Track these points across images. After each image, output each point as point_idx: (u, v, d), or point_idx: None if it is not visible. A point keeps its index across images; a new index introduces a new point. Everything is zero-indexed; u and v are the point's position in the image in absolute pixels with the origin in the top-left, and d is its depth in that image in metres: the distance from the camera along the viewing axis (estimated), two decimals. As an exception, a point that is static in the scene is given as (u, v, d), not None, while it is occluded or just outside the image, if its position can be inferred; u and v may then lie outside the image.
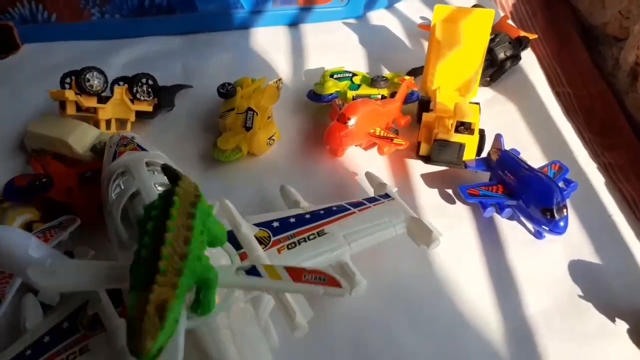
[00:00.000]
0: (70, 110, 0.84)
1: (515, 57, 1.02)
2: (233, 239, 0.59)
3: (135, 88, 0.89)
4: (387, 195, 0.71)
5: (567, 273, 0.71)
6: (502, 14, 1.16)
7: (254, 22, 1.16)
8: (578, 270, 0.71)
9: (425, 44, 1.12)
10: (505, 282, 0.70)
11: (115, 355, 0.50)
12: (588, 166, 0.85)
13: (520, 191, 0.74)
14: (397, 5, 1.24)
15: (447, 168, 0.83)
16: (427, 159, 0.83)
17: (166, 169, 0.51)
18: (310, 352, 0.62)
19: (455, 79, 0.90)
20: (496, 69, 1.00)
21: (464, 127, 0.80)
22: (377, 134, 0.85)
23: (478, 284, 0.70)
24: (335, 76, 0.95)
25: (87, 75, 0.83)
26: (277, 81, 0.95)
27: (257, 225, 0.63)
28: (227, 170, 0.85)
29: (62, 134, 0.82)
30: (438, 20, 0.90)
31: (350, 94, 0.93)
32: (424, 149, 0.83)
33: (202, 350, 0.47)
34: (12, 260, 0.59)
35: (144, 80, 0.91)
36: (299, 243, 0.61)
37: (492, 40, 0.96)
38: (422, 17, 1.20)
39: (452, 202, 0.80)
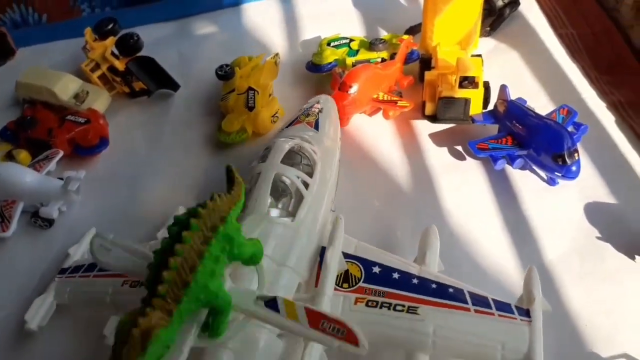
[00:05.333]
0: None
1: (514, 3, 1.00)
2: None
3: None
4: (527, 313, 0.53)
5: (583, 216, 0.71)
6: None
7: (244, -1, 1.15)
8: (594, 212, 0.71)
9: (421, 0, 1.10)
10: (523, 231, 0.71)
11: None
12: (597, 106, 0.84)
13: (530, 140, 0.73)
14: (388, -36, 1.21)
15: (454, 125, 0.83)
16: (433, 118, 0.82)
17: (228, 171, 0.54)
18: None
19: (454, 33, 0.88)
20: (495, 17, 0.98)
21: (467, 81, 0.79)
22: (381, 98, 0.84)
23: (495, 236, 0.70)
24: (332, 44, 0.94)
25: (135, 36, 0.94)
26: (274, 56, 0.95)
27: (359, 259, 0.58)
28: (234, 152, 0.86)
29: (49, 83, 0.92)
30: (430, -25, 0.88)
31: (350, 60, 0.92)
32: (429, 109, 0.82)
33: None
34: (15, 188, 0.77)
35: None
36: (381, 306, 0.54)
37: (488, -12, 0.93)
38: (414, -27, 1.17)
39: (463, 158, 0.80)
